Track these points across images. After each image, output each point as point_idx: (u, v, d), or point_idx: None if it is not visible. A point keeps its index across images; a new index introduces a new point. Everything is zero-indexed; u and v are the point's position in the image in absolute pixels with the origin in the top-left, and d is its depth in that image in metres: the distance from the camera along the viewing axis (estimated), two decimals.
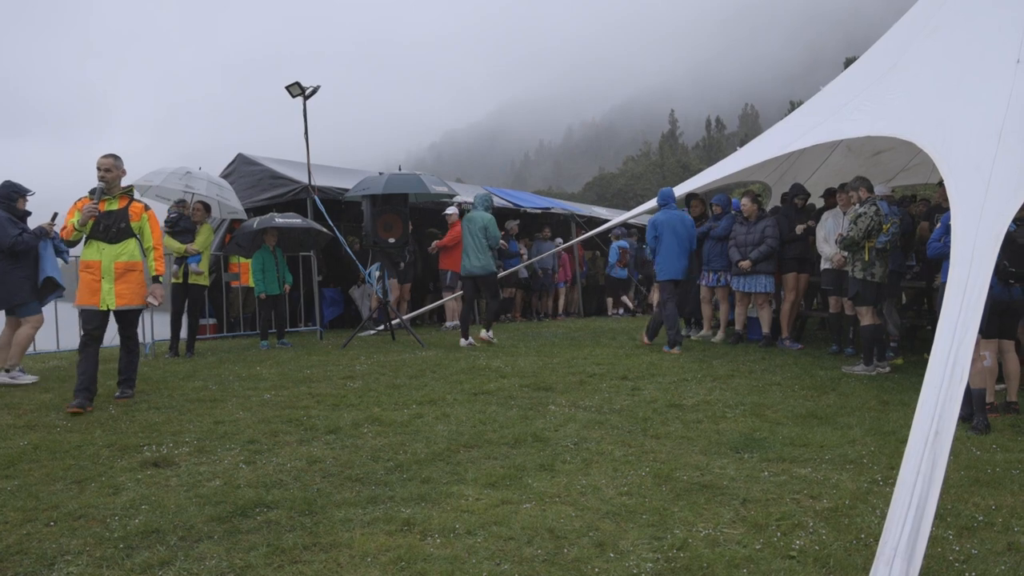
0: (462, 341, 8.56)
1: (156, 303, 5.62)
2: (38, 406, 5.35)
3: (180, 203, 8.31)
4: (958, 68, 5.80)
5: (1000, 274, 4.86)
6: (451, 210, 11.15)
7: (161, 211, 8.72)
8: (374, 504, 3.36)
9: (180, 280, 8.08)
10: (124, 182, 5.62)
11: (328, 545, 2.91)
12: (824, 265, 7.92)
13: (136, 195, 5.68)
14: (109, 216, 5.39)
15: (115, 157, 5.51)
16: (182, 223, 8.10)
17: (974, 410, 4.73)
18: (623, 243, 13.93)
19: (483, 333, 8.73)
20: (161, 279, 5.59)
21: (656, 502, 3.35)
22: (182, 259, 8.03)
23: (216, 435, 4.52)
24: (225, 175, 11.19)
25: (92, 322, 5.36)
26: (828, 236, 7.79)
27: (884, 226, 6.52)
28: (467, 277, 8.66)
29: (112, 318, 5.51)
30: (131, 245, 5.45)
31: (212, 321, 10.75)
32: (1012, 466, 3.89)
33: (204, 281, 8.35)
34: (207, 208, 8.48)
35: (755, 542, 2.92)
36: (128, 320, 5.62)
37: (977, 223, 3.99)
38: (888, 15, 8.92)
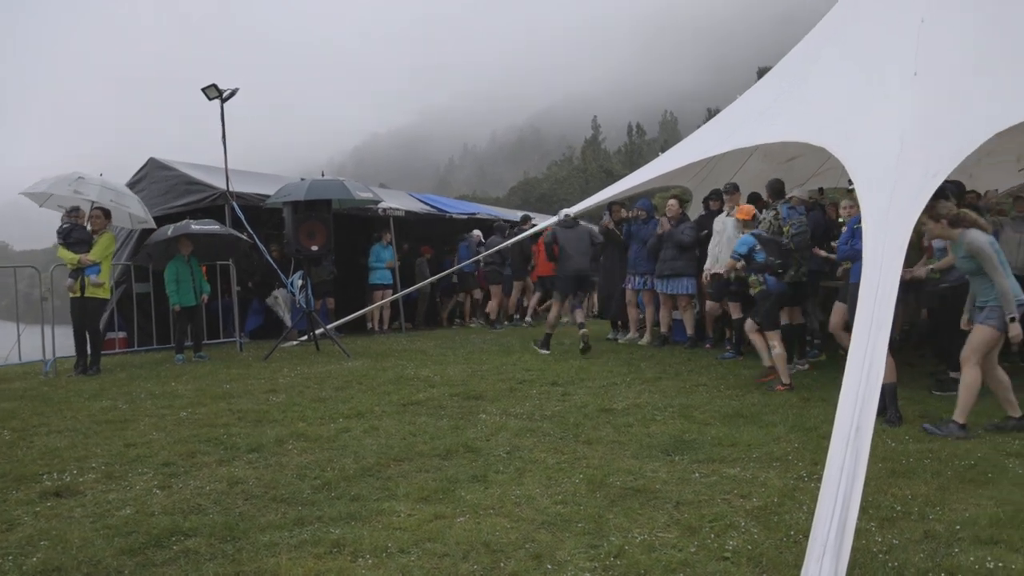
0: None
1: None
2: None
3: (72, 212, 7.78)
4: (862, 79, 6.11)
5: (768, 269, 6.10)
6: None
7: (54, 221, 8.19)
8: (301, 526, 3.20)
9: (77, 294, 7.55)
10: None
11: (252, 573, 2.75)
12: (714, 270, 7.55)
13: None
14: None
15: None
16: (75, 233, 7.57)
17: (887, 403, 4.96)
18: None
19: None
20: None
21: (591, 509, 3.34)
22: (78, 271, 7.51)
23: (127, 459, 4.23)
24: (135, 181, 10.61)
25: None
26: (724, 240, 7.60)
27: (784, 228, 6.84)
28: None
29: None
30: None
31: (122, 335, 10.14)
32: (924, 456, 4.09)
33: (104, 294, 7.80)
34: (107, 215, 7.88)
35: (690, 545, 2.94)
36: None
37: (885, 227, 4.18)
38: (796, 32, 9.36)
